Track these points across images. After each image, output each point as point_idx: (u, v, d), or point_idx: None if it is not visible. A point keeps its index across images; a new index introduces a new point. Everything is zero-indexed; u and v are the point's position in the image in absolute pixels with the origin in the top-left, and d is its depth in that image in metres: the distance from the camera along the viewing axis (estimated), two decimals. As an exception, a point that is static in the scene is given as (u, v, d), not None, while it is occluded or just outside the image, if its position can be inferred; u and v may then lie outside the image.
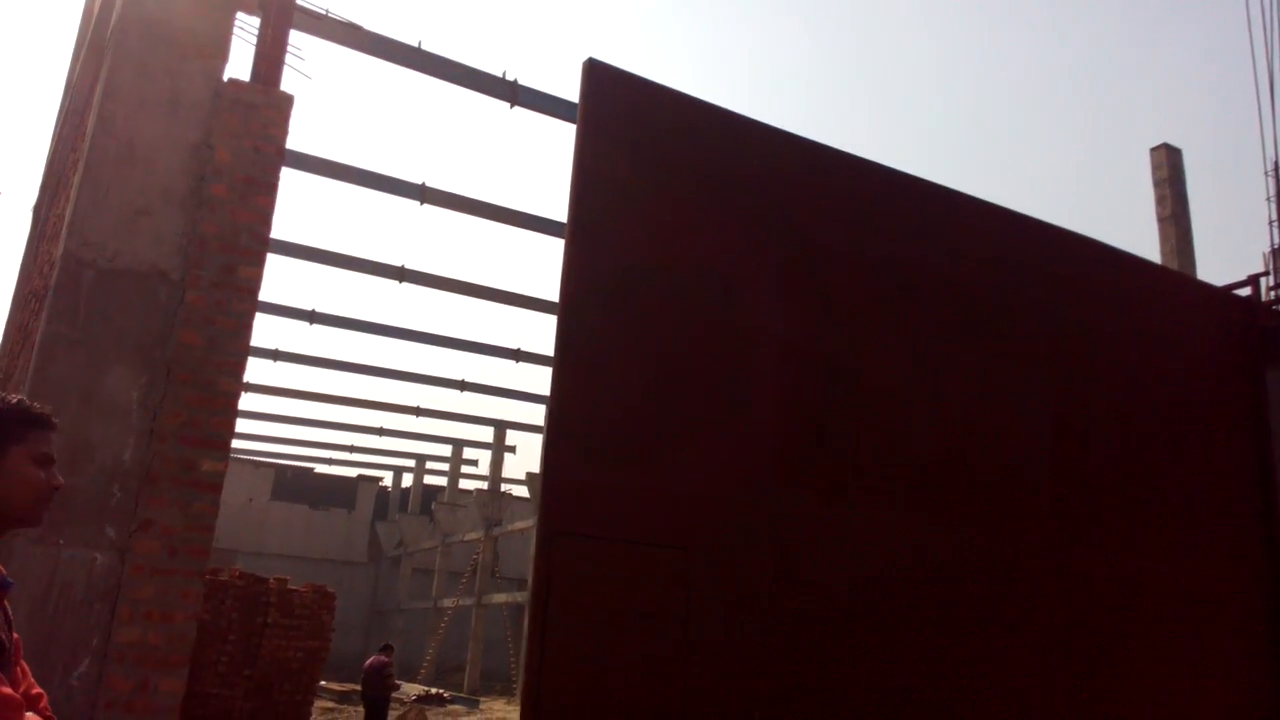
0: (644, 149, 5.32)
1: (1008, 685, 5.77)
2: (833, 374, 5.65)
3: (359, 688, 16.55)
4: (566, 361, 4.85)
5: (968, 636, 5.69)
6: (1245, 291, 8.18)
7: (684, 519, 4.97)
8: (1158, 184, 13.42)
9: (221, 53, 5.14)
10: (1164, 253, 13.05)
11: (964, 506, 5.90)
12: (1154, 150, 13.63)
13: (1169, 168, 13.28)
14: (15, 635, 1.89)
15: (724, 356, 5.31)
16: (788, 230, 5.70)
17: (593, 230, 5.05)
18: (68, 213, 4.84)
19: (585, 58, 5.22)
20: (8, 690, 1.61)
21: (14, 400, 1.87)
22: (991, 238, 6.60)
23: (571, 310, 4.90)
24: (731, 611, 4.97)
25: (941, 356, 6.08)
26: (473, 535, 29.75)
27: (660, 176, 5.35)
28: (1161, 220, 13.22)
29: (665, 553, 4.88)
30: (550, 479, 4.71)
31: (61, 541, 4.31)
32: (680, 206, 5.38)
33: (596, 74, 5.25)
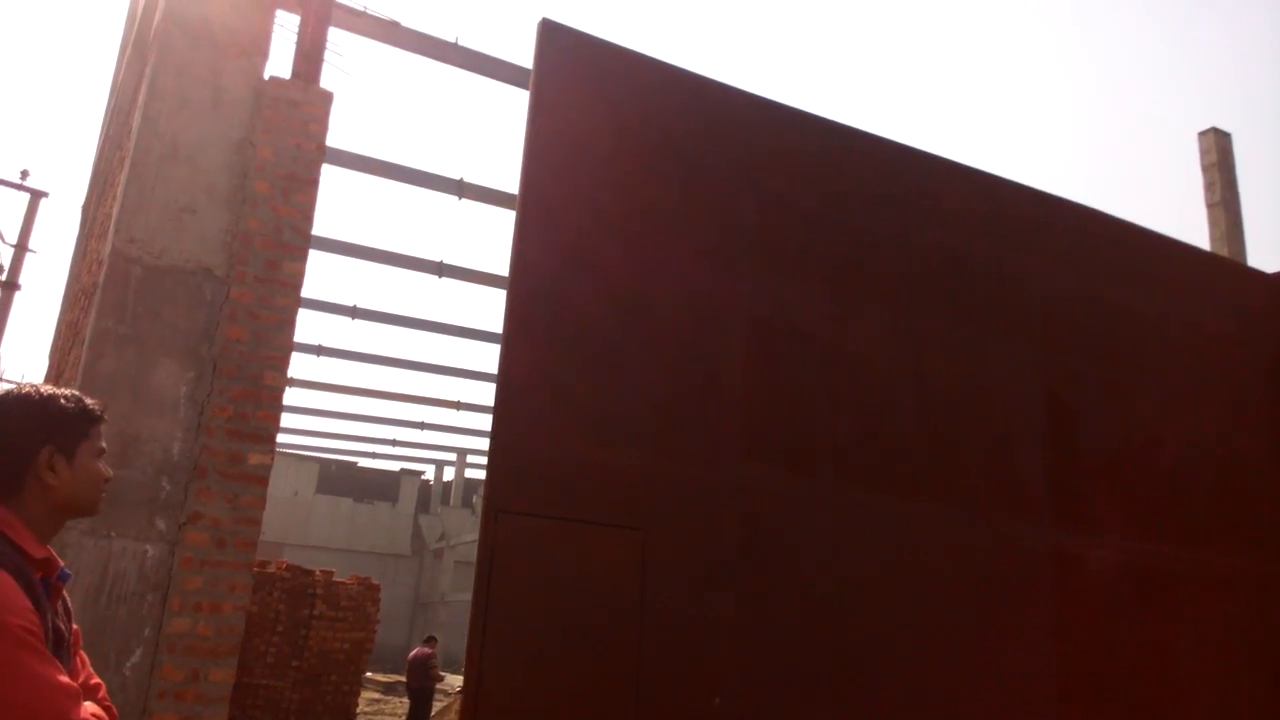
0: (602, 112, 5.11)
1: (991, 669, 5.53)
2: (807, 346, 5.38)
3: (404, 679, 16.74)
4: (516, 330, 4.62)
5: (947, 618, 5.41)
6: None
7: (641, 496, 4.72)
8: (1206, 169, 13.11)
9: (262, 51, 5.20)
10: (1213, 239, 12.76)
11: (947, 485, 5.61)
12: (1202, 134, 13.33)
13: (1218, 152, 12.97)
14: (75, 626, 1.92)
15: (688, 327, 5.07)
16: (759, 197, 5.44)
17: (546, 196, 4.83)
18: (115, 211, 4.93)
19: (540, 18, 5.05)
20: (65, 679, 1.63)
21: (76, 397, 1.92)
22: (983, 206, 6.28)
23: (522, 278, 4.65)
24: (691, 592, 4.74)
25: (926, 329, 5.79)
26: (514, 528, 29.86)
27: (619, 141, 5.12)
28: (1210, 206, 12.92)
29: (620, 532, 4.62)
30: (496, 454, 4.47)
31: (113, 534, 4.39)
32: (641, 172, 5.15)
33: (551, 34, 5.07)
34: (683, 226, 5.21)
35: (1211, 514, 6.70)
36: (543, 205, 4.85)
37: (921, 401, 5.70)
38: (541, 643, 4.38)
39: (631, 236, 5.07)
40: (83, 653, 1.95)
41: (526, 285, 4.72)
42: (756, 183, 5.49)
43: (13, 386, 1.88)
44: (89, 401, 1.95)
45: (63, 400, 1.89)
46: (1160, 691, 6.11)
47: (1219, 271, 7.64)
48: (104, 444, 1.96)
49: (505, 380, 4.59)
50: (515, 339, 4.64)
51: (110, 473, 1.97)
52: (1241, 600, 6.64)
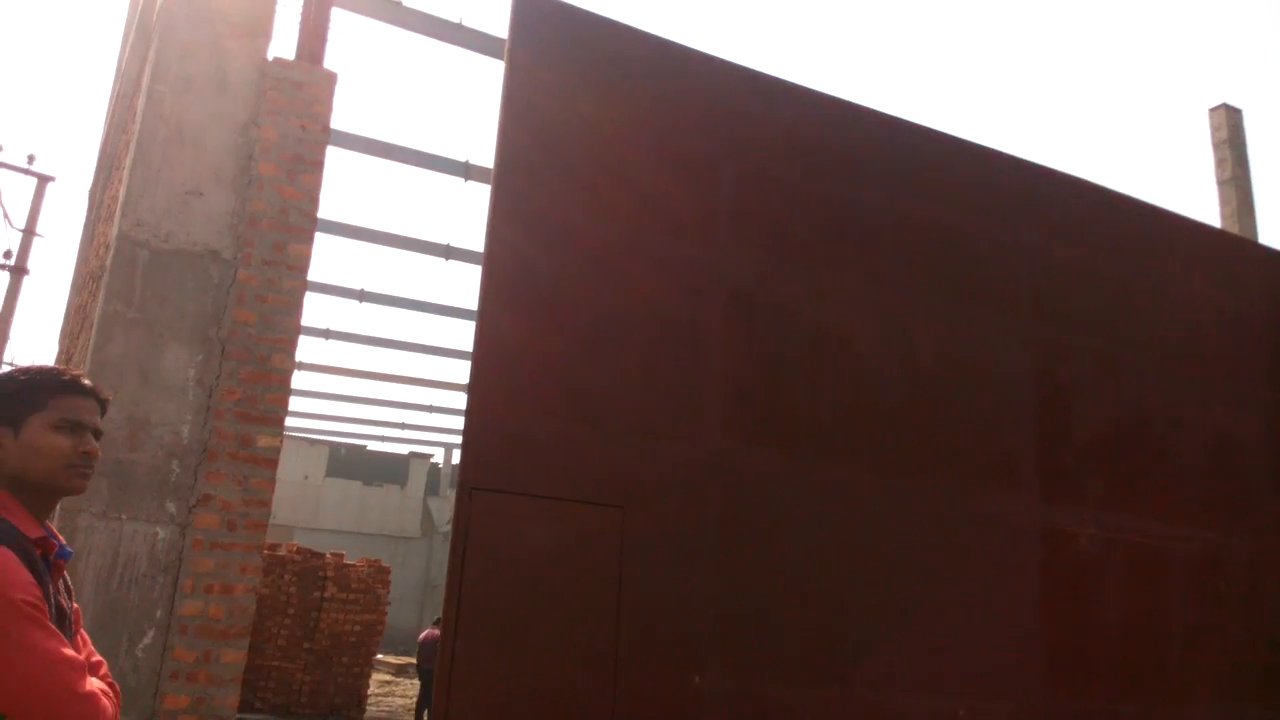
0: (580, 83, 4.99)
1: (978, 647, 5.48)
2: (790, 321, 5.27)
3: (415, 661, 16.83)
4: (491, 304, 4.51)
5: (933, 596, 5.31)
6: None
7: (620, 474, 4.62)
8: (1217, 145, 13.02)
9: (266, 32, 5.17)
10: (1224, 216, 12.68)
11: (933, 462, 5.50)
12: (1213, 111, 13.22)
13: (1229, 129, 12.88)
14: (75, 604, 1.92)
15: (668, 302, 4.96)
16: (740, 168, 5.31)
17: (522, 169, 4.72)
18: (121, 194, 4.92)
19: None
20: (70, 652, 1.64)
21: (36, 370, 1.86)
22: (973, 178, 6.14)
23: (497, 251, 4.56)
24: (671, 571, 4.66)
25: (912, 304, 5.66)
26: (523, 510, 29.93)
27: (598, 112, 5.00)
28: (1221, 183, 12.83)
29: (598, 510, 4.54)
30: (471, 430, 4.38)
31: (124, 517, 4.41)
32: (618, 142, 5.02)
33: (526, 2, 5.03)
34: (662, 198, 5.13)
35: (1204, 491, 6.63)
36: (518, 176, 4.77)
37: (908, 377, 5.62)
38: (517, 622, 4.31)
39: (609, 209, 4.98)
40: (83, 631, 1.95)
41: (501, 259, 4.65)
42: (738, 153, 5.40)
43: None
44: (56, 370, 1.87)
45: (17, 375, 1.84)
46: (1149, 668, 6.08)
47: (1220, 246, 7.49)
48: (76, 416, 1.85)
49: (480, 355, 4.54)
50: (490, 313, 4.59)
51: (91, 447, 1.86)
52: (1233, 578, 6.60)
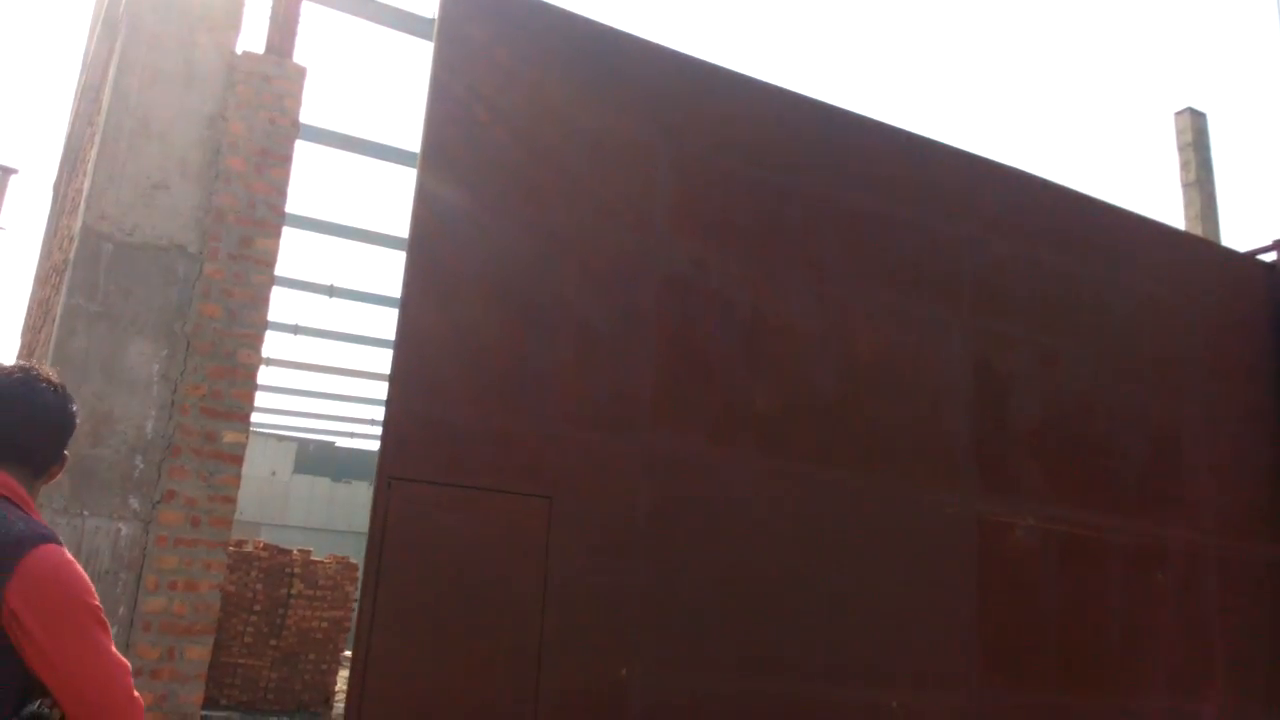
0: (512, 67, 4.93)
1: (914, 639, 5.42)
2: (725, 310, 5.25)
3: (383, 657, 16.73)
4: (415, 291, 4.45)
5: (870, 588, 5.34)
6: (1271, 256, 8.06)
7: (547, 463, 4.58)
8: (1181, 149, 13.22)
9: (234, 25, 5.14)
10: (1188, 218, 12.88)
11: (871, 453, 5.53)
12: (1178, 114, 13.43)
13: (1193, 132, 13.08)
14: None
15: (601, 288, 4.92)
16: (678, 156, 5.30)
17: (449, 152, 4.65)
18: (85, 187, 4.87)
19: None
20: (124, 658, 1.75)
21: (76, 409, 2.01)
22: (913, 169, 6.15)
23: (421, 236, 4.49)
24: (599, 562, 4.61)
25: (851, 295, 5.68)
26: (493, 507, 29.84)
27: (529, 96, 4.95)
28: (1185, 186, 13.03)
29: (524, 500, 4.47)
30: (391, 418, 4.32)
31: (86, 513, 4.37)
32: (552, 128, 4.97)
33: None
34: (595, 183, 5.05)
35: (1144, 483, 6.70)
36: (446, 160, 4.67)
37: (845, 368, 5.60)
38: (437, 616, 4.24)
39: (539, 193, 4.89)
40: None
41: (426, 243, 4.56)
42: (675, 140, 5.33)
43: (46, 371, 1.91)
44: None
45: (70, 403, 2.01)
46: (1086, 659, 6.14)
47: (1169, 243, 7.55)
48: None
49: (403, 342, 4.44)
50: (414, 300, 4.49)
51: None
52: (1171, 569, 6.68)
